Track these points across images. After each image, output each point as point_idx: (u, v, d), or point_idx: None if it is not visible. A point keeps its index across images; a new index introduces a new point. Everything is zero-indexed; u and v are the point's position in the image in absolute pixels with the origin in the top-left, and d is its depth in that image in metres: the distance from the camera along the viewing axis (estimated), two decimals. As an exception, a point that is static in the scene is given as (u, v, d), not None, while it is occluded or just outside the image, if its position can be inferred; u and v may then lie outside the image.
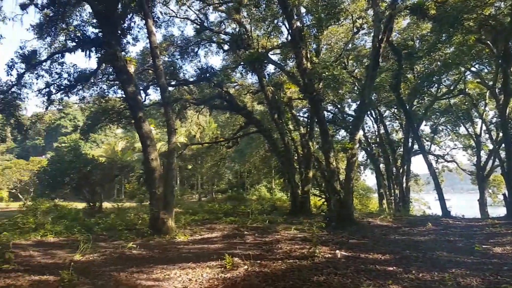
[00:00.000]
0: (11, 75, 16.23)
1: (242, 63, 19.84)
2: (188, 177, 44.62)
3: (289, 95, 19.89)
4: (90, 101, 21.09)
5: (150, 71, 20.33)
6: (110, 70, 18.14)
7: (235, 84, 24.36)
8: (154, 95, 42.74)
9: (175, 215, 13.55)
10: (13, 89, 17.26)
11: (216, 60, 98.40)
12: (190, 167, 37.28)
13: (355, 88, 24.04)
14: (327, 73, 13.64)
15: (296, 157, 19.91)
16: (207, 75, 18.34)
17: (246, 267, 6.99)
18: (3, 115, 19.23)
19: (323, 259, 7.59)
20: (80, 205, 22.88)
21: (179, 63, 21.87)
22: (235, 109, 20.39)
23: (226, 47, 21.49)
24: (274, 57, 20.68)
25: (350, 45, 21.10)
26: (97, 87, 19.61)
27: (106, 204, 25.31)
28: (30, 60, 15.25)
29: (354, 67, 23.86)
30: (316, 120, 16.56)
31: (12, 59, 15.78)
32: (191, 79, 21.23)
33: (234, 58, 21.38)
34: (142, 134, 12.29)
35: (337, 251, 8.12)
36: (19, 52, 15.62)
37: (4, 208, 28.92)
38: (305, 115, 27.71)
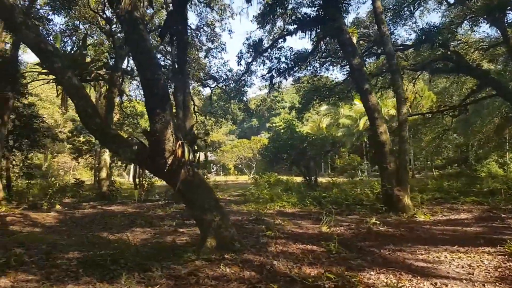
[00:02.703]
0: (240, 64, 18.54)
1: (471, 15, 16.71)
2: (399, 152, 42.01)
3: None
4: (303, 81, 22.13)
5: (361, 42, 19.58)
6: (323, 47, 18.40)
7: (458, 41, 20.92)
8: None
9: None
10: (242, 77, 19.82)
11: (430, 18, 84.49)
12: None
13: None
14: None
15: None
16: (430, 35, 16.10)
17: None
18: (233, 100, 22.36)
19: None
20: (295, 179, 24.62)
21: (390, 28, 20.28)
22: (465, 70, 17.34)
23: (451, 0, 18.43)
24: None
25: None
26: (310, 67, 20.30)
27: (320, 179, 26.43)
28: (257, 48, 16.90)
29: None
30: None
31: (240, 50, 17.98)
32: (407, 43, 19.32)
33: (461, 11, 18.15)
34: (369, 106, 11.76)
35: None
36: (246, 43, 17.58)
37: (235, 181, 34.12)
38: None
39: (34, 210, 13.42)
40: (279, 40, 16.79)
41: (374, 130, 11.79)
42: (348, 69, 16.22)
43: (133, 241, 7.57)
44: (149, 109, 5.55)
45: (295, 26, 14.35)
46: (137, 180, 6.22)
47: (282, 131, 26.34)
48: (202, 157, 7.10)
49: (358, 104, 37.11)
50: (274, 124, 60.08)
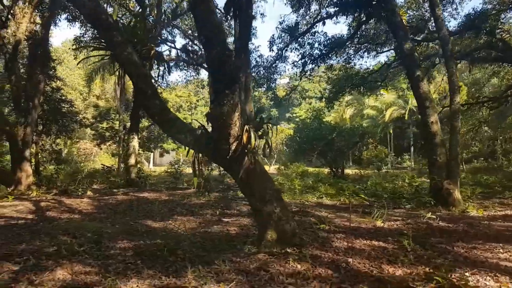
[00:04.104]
0: (272, 50, 17.83)
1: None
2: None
3: None
4: (335, 69, 21.34)
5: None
6: (359, 33, 17.56)
7: (499, 30, 19.89)
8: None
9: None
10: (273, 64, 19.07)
11: (471, 4, 78.74)
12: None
13: None
14: None
15: None
16: (476, 21, 15.17)
17: None
18: (261, 88, 21.74)
19: None
20: (323, 171, 24.05)
21: (426, 15, 19.33)
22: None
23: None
24: None
25: None
26: (344, 54, 19.49)
27: (347, 171, 25.82)
28: (293, 33, 16.18)
29: None
30: None
31: (272, 35, 17.22)
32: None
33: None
34: (420, 94, 11.05)
35: None
36: (280, 27, 16.80)
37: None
38: None
39: (66, 195, 13.25)
40: (316, 24, 16.03)
41: (425, 120, 11.11)
42: (387, 55, 15.47)
43: (182, 230, 7.23)
44: (217, 90, 5.05)
45: (337, 8, 13.61)
46: (196, 167, 5.75)
47: (309, 120, 25.69)
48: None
49: (385, 95, 36.12)
50: (294, 114, 59.05)
